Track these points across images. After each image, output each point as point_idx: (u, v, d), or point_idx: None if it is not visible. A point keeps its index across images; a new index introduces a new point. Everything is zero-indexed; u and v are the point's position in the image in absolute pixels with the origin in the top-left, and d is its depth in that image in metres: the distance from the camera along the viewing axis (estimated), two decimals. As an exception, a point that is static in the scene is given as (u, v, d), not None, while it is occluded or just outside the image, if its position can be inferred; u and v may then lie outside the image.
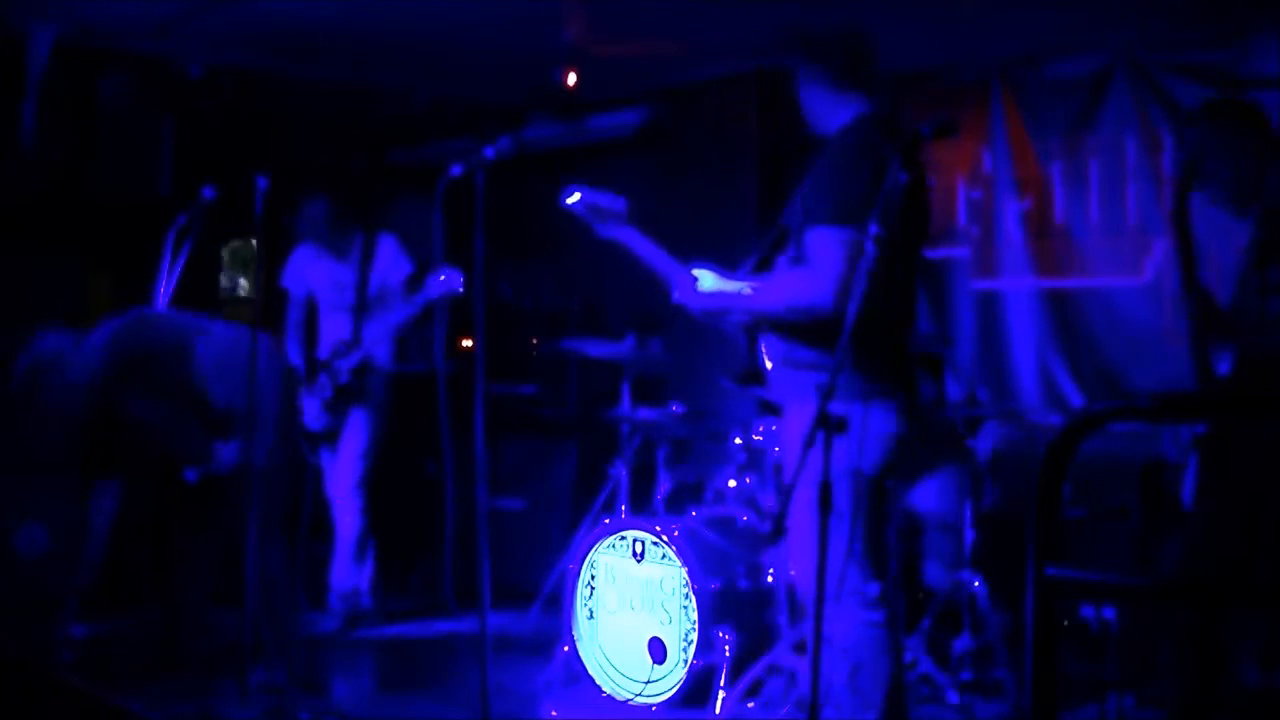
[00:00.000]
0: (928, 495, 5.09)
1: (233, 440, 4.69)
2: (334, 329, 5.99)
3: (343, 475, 5.93)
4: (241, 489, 4.65)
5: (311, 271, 6.05)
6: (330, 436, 5.91)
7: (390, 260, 6.04)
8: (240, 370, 4.70)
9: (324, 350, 5.97)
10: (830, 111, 3.74)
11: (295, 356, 5.99)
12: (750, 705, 4.46)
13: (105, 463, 4.97)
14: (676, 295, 3.84)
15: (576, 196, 3.88)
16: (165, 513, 5.06)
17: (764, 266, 3.82)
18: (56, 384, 4.77)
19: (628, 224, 3.93)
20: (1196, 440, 3.68)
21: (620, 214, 3.93)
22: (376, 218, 6.37)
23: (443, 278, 5.36)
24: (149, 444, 4.88)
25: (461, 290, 5.31)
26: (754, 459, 4.99)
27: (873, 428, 3.44)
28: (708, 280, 3.76)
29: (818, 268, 3.51)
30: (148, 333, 4.92)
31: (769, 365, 3.75)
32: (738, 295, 3.72)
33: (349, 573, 5.96)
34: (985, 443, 4.95)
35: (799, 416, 3.63)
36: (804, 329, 3.57)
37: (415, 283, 5.83)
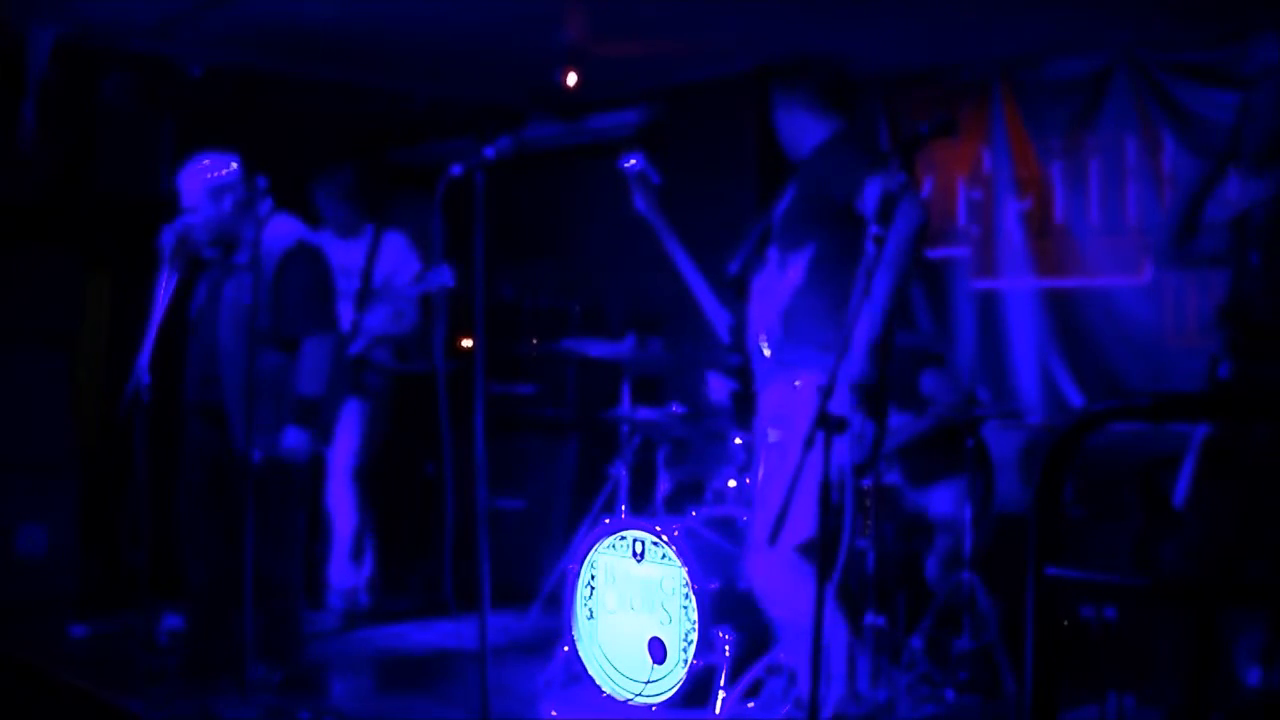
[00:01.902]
0: (940, 499, 5.09)
1: (305, 428, 4.69)
2: None
3: (337, 468, 5.89)
4: (281, 483, 4.66)
5: None
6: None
7: (399, 256, 6.04)
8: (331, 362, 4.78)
9: None
10: (807, 134, 3.98)
11: None
12: (750, 705, 4.46)
13: None
14: None
15: (633, 162, 4.39)
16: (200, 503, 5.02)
17: (752, 261, 3.97)
18: None
19: (657, 206, 4.23)
20: (1202, 442, 3.68)
21: (655, 189, 4.19)
22: (384, 213, 6.37)
23: (436, 272, 5.38)
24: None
25: (453, 284, 5.32)
26: (754, 459, 4.98)
27: (855, 427, 3.57)
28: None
29: None
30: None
31: (766, 354, 3.93)
32: None
33: (347, 571, 5.95)
34: (986, 443, 4.95)
35: (786, 400, 3.76)
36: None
37: (415, 278, 5.85)
